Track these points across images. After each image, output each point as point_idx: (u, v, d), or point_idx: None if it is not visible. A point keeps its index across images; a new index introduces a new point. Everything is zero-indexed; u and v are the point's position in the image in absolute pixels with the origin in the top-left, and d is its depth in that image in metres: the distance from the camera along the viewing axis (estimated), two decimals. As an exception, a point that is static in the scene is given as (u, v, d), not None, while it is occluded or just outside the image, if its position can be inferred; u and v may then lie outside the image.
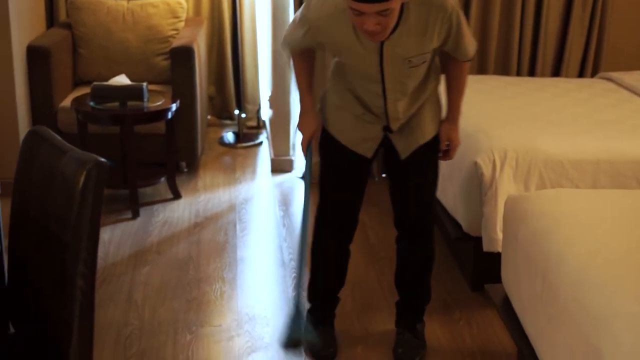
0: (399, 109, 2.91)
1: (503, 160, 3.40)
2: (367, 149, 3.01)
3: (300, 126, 3.04)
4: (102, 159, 2.04)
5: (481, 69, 4.98)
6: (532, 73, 5.01)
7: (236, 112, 5.76)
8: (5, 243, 2.46)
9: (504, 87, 4.35)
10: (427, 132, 3.00)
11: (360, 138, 2.99)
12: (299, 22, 2.84)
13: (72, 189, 2.00)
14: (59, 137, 2.20)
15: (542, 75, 4.98)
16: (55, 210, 2.06)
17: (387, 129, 2.97)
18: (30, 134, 2.26)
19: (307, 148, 3.04)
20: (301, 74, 3.02)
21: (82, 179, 1.99)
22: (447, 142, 3.04)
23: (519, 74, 4.99)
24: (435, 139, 3.04)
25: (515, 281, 2.82)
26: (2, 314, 2.44)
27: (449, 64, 2.96)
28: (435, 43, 2.74)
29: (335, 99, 3.00)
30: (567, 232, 2.57)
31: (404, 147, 2.99)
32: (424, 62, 2.80)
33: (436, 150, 3.06)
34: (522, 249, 2.77)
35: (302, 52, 2.97)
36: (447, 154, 3.07)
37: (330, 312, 3.30)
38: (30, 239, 2.19)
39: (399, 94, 2.87)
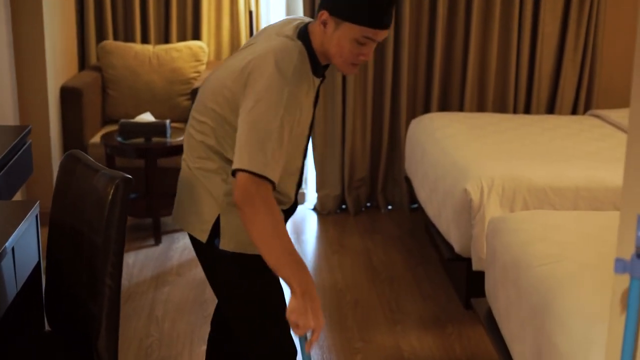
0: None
1: (490, 187, 3.74)
2: None
3: (311, 300, 2.17)
4: (128, 176, 2.41)
5: (480, 107, 5.35)
6: (527, 111, 5.37)
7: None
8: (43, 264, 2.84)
9: (497, 122, 4.70)
10: None
11: None
12: (282, 116, 2.21)
13: (103, 200, 2.38)
14: (91, 159, 2.58)
15: (537, 113, 5.32)
16: (89, 218, 2.43)
17: (287, 212, 2.50)
18: (67, 157, 2.63)
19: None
20: (283, 225, 2.22)
21: (111, 191, 2.37)
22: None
23: (515, 111, 5.35)
24: None
25: (494, 292, 3.15)
26: (39, 314, 2.82)
27: None
28: None
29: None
30: (537, 246, 2.91)
31: None
32: None
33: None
34: (499, 262, 3.10)
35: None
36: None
37: None
38: (67, 245, 2.56)
39: None
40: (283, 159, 2.24)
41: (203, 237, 2.42)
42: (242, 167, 2.19)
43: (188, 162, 2.48)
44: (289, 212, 2.52)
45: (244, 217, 2.19)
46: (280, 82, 2.23)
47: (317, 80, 2.39)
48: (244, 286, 2.45)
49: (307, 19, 2.48)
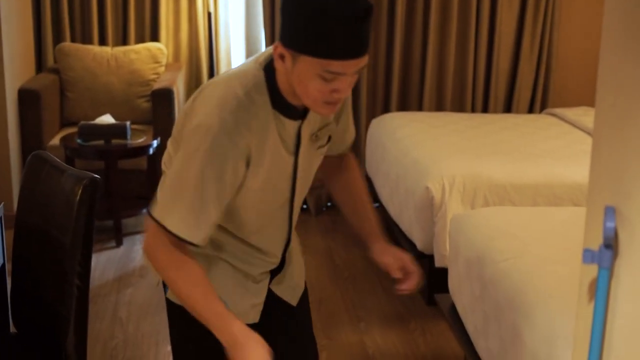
0: (295, 218, 2.24)
1: (452, 185, 3.79)
2: (256, 313, 2.14)
3: (241, 350, 1.85)
4: (96, 176, 2.41)
5: (439, 106, 5.41)
6: (485, 110, 5.45)
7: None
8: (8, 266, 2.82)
9: (456, 121, 4.76)
10: (303, 268, 2.36)
11: (249, 305, 2.12)
12: (203, 168, 1.82)
13: (70, 200, 2.37)
14: (57, 159, 2.57)
15: (495, 112, 5.41)
16: (56, 219, 2.43)
17: (274, 272, 2.19)
18: (33, 157, 2.62)
19: None
20: (203, 277, 1.91)
21: (79, 191, 2.37)
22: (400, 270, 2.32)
23: (473, 110, 5.42)
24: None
25: (458, 288, 3.20)
26: (4, 316, 2.79)
27: (333, 169, 2.30)
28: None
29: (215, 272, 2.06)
30: (499, 241, 2.96)
31: (291, 295, 2.26)
32: (328, 140, 2.09)
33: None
34: (462, 258, 3.15)
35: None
36: (406, 282, 2.31)
37: None
38: (34, 246, 2.55)
39: (301, 196, 2.17)
40: (209, 216, 1.87)
41: (156, 279, 2.11)
42: (157, 217, 1.89)
43: None
44: (275, 271, 2.20)
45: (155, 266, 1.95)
46: (213, 123, 1.81)
47: (292, 123, 1.94)
48: (186, 349, 2.13)
49: None
